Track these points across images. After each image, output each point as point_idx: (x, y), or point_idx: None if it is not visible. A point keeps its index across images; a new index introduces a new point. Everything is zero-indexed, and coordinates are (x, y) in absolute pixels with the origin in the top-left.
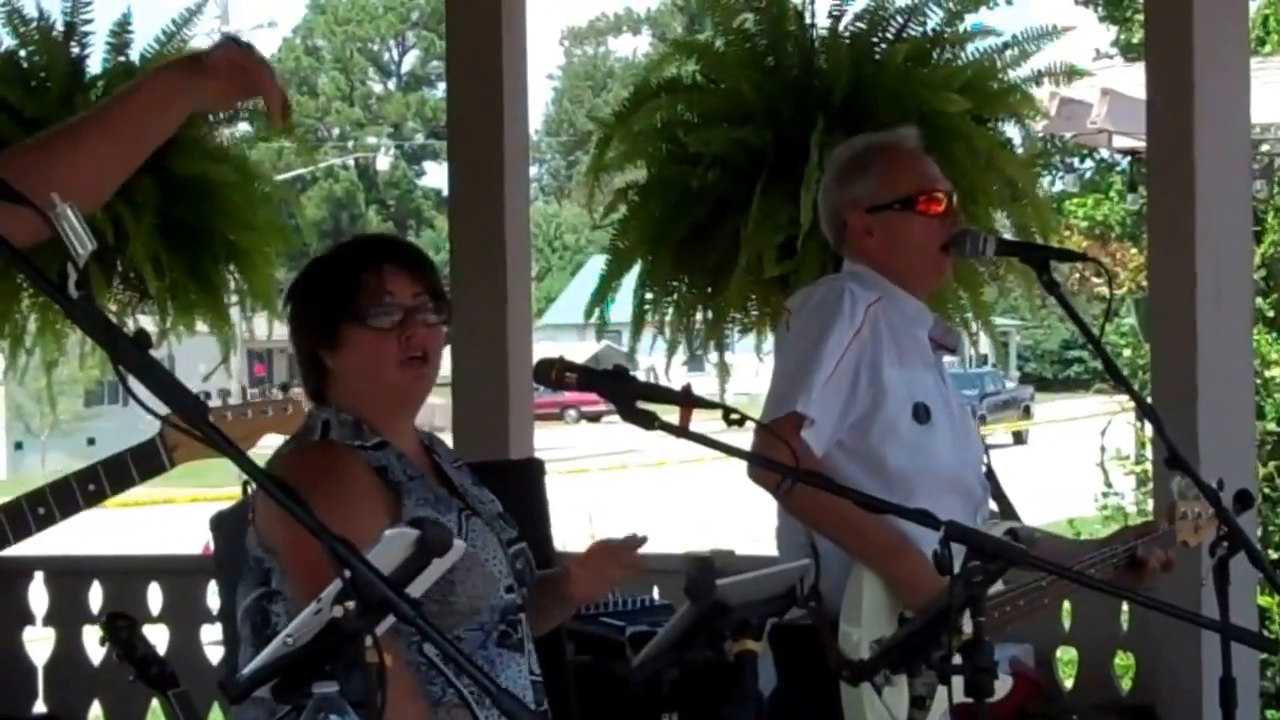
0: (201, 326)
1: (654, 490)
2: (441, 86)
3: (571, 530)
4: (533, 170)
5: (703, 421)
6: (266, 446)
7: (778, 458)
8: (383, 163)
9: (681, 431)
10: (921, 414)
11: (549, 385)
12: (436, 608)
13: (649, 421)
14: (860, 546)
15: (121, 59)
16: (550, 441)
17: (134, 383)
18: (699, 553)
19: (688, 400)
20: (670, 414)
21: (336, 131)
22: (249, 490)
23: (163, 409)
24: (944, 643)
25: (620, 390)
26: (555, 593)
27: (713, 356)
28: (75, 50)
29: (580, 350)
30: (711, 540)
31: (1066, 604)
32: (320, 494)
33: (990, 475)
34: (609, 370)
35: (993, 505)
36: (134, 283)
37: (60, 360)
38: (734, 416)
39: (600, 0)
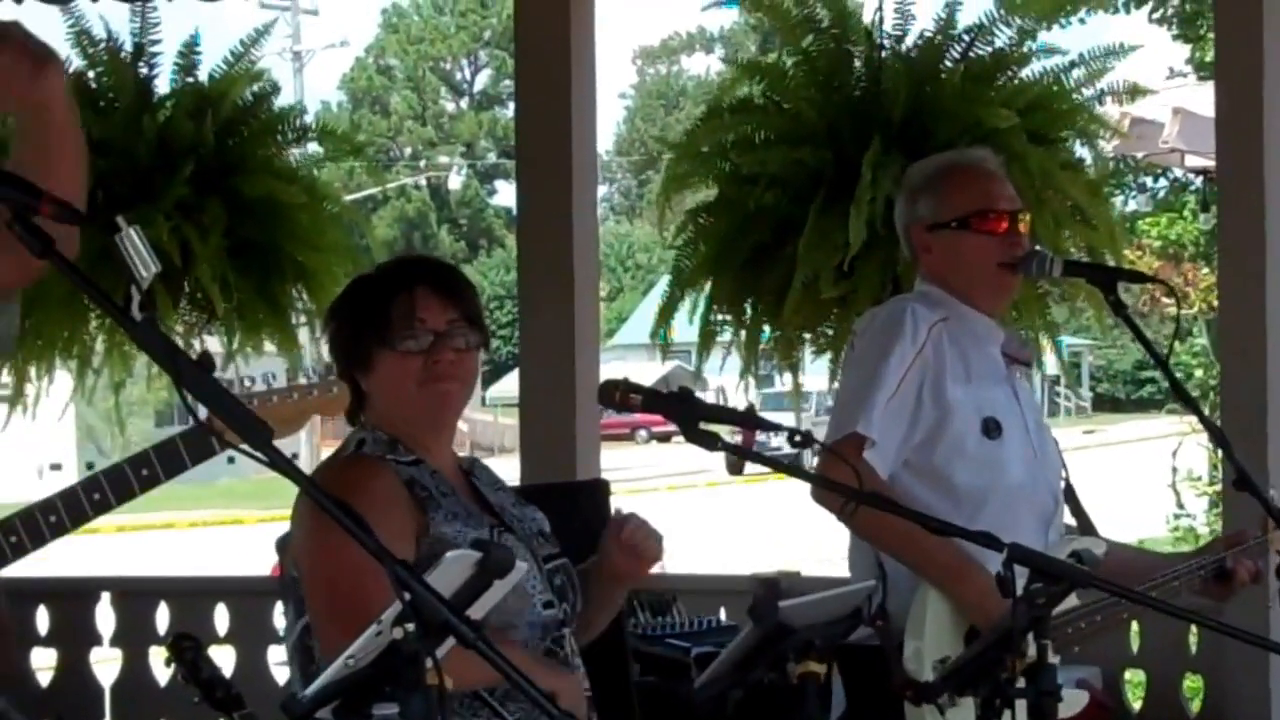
0: (269, 347)
1: (724, 510)
2: (514, 105)
3: None
4: (604, 189)
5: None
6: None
7: (841, 479)
8: (455, 182)
9: (744, 452)
10: (991, 429)
11: (613, 407)
12: None
13: (712, 443)
14: (926, 566)
15: (190, 80)
16: (621, 461)
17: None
18: (765, 574)
19: (751, 422)
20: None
21: (409, 151)
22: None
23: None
24: (1007, 665)
25: (684, 412)
26: (599, 578)
27: (786, 378)
28: (144, 71)
29: (651, 370)
30: (781, 561)
31: (1135, 625)
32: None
33: (1069, 491)
34: (672, 392)
35: (1070, 521)
36: (201, 303)
37: (127, 381)
38: (798, 438)
39: (673, 19)
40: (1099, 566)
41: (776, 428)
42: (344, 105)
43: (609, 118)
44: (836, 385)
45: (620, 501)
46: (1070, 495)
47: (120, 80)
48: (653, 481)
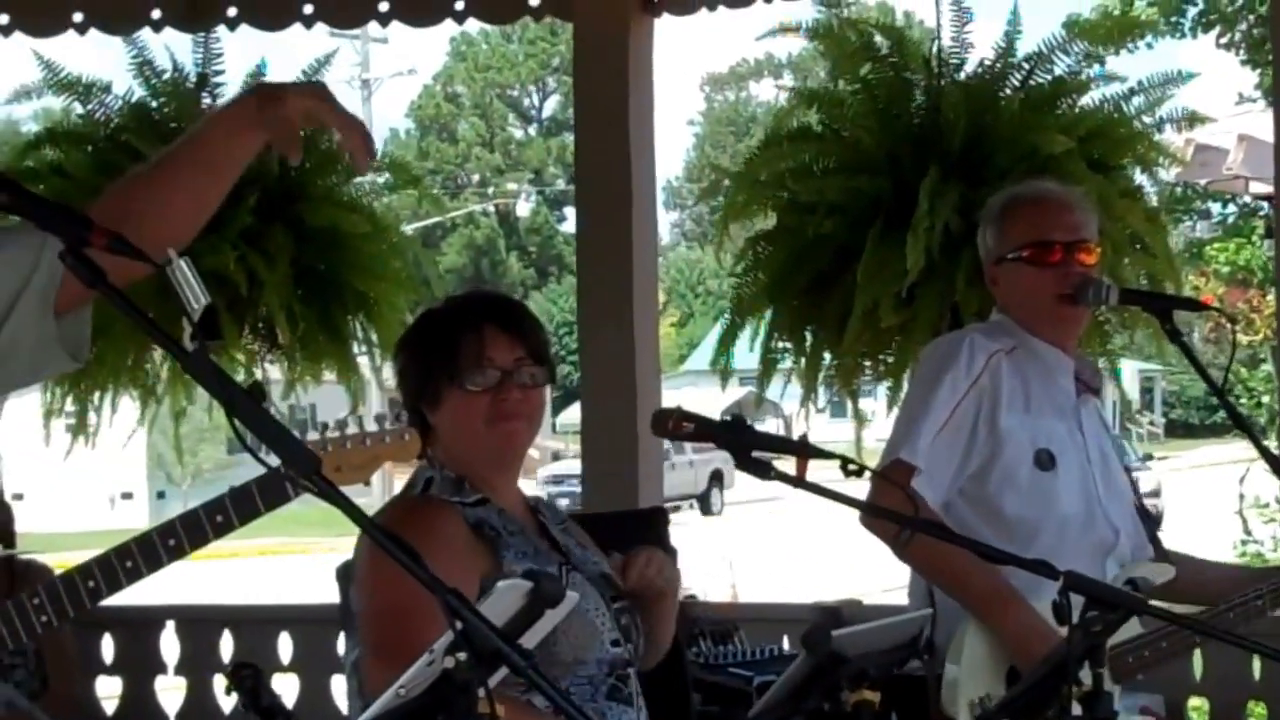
0: (328, 375)
1: (797, 537)
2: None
3: (713, 577)
4: (674, 216)
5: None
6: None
7: (892, 505)
8: (523, 209)
9: (797, 481)
10: (1044, 460)
11: (666, 435)
12: (541, 658)
13: (765, 471)
14: (964, 595)
15: None
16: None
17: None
18: (827, 603)
19: (804, 450)
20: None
21: (477, 178)
22: None
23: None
24: (1063, 694)
25: (736, 440)
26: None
27: (848, 405)
28: (207, 101)
29: (722, 397)
30: (845, 589)
31: (1197, 652)
32: (416, 549)
33: (1144, 516)
34: (725, 420)
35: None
36: (262, 332)
37: (188, 409)
38: (851, 467)
39: (741, 46)
40: (1154, 593)
41: (829, 456)
42: (412, 132)
43: (679, 144)
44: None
45: (691, 527)
46: (1146, 520)
47: (183, 110)
48: (729, 508)
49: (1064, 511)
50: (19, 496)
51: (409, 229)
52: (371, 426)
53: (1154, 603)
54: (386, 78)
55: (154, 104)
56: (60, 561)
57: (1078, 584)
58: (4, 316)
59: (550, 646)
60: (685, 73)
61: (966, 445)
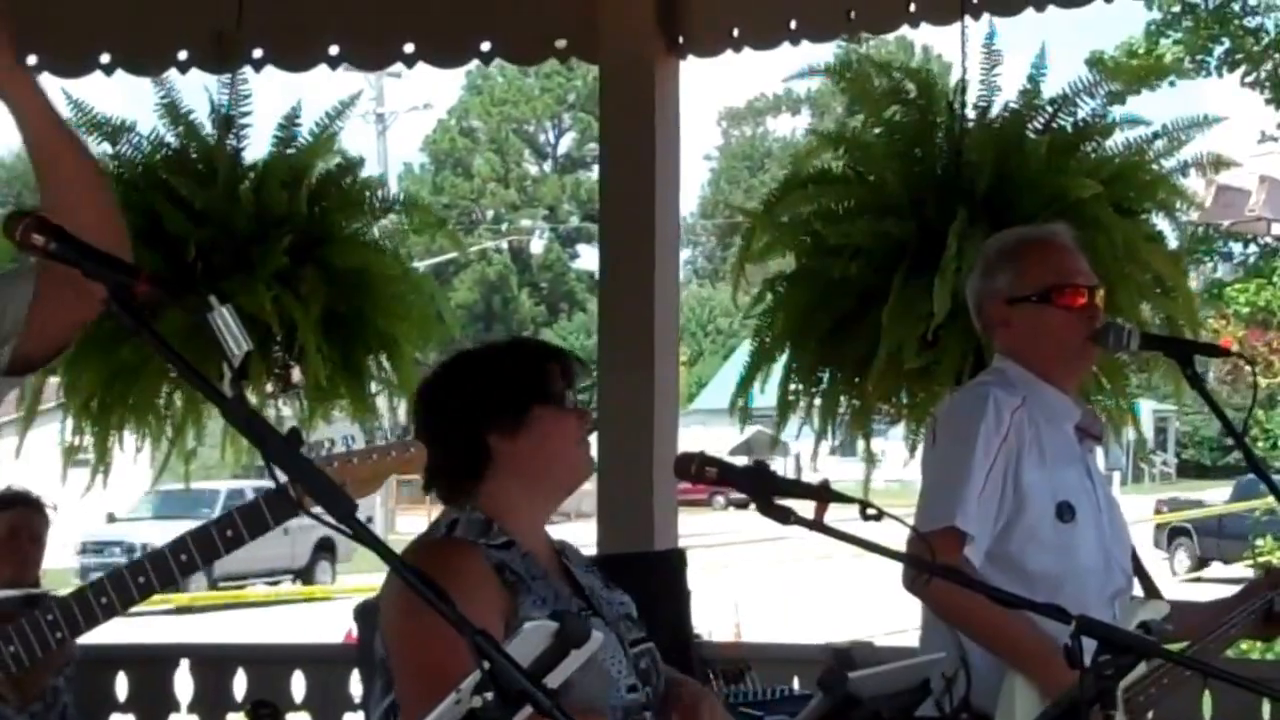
0: (337, 414)
1: (802, 578)
2: (597, 169)
3: (718, 618)
4: (687, 253)
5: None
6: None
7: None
8: (536, 245)
9: (818, 526)
10: (1065, 513)
11: (689, 479)
12: None
13: (786, 516)
14: (1014, 654)
15: (290, 150)
16: (697, 528)
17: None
18: (839, 644)
19: (825, 495)
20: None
21: (491, 214)
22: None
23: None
24: None
25: (758, 485)
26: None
27: (860, 445)
28: (232, 142)
29: (732, 436)
30: (855, 631)
31: (1207, 693)
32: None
33: (1134, 557)
34: (748, 466)
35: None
36: (277, 373)
37: (200, 449)
38: (870, 512)
39: (758, 81)
40: (1173, 621)
41: (850, 501)
42: (426, 167)
43: (693, 180)
44: (920, 470)
45: (697, 569)
46: (1135, 562)
47: (212, 151)
48: (734, 550)
49: (1084, 563)
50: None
51: (421, 265)
52: (376, 442)
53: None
54: (402, 112)
55: (175, 142)
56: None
57: (1090, 628)
58: None
59: (564, 694)
60: (702, 107)
61: (998, 505)
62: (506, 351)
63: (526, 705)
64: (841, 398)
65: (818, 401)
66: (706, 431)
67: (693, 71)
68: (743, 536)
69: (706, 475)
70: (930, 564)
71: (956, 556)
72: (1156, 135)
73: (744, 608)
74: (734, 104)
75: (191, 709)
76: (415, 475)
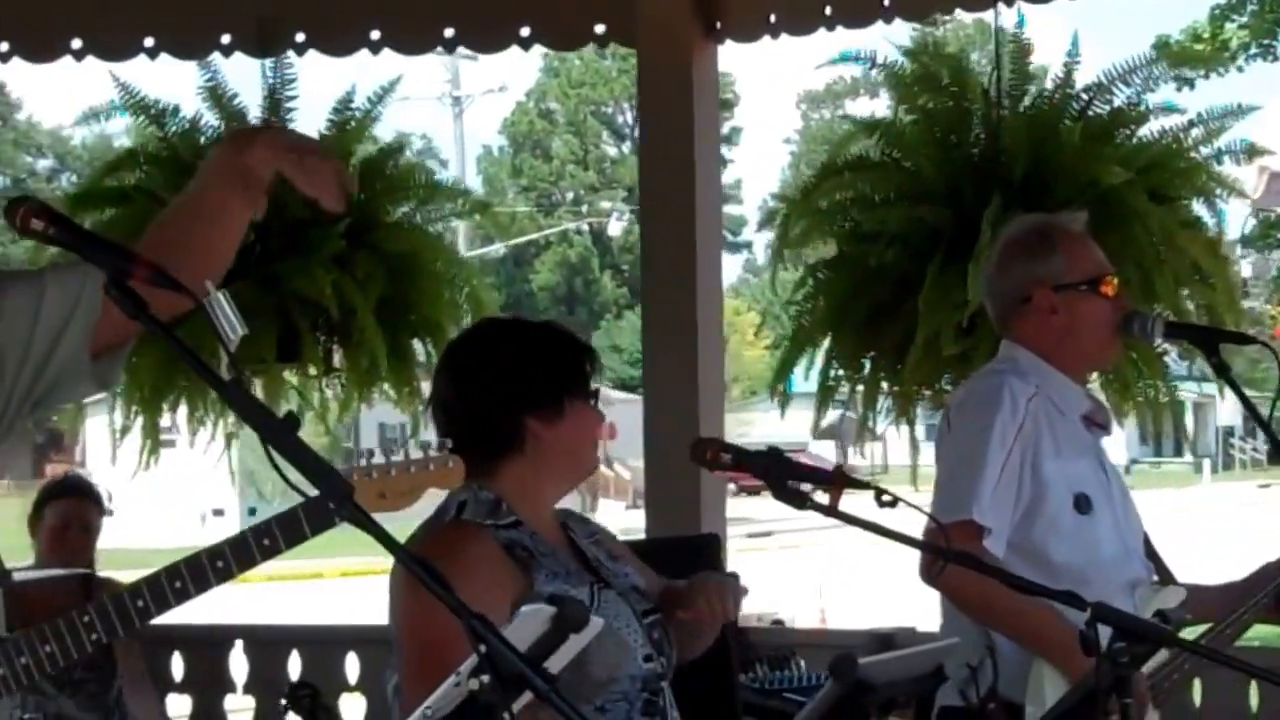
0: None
1: (891, 562)
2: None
3: (801, 602)
4: (768, 235)
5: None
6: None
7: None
8: (615, 227)
9: (832, 511)
10: (1083, 505)
11: (704, 465)
12: (574, 678)
13: (800, 501)
14: (1036, 643)
15: (342, 134)
16: (784, 511)
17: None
18: (882, 629)
19: (839, 481)
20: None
21: (570, 195)
22: None
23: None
24: None
25: (772, 470)
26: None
27: (903, 431)
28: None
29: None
30: (901, 617)
31: (1196, 681)
32: (447, 574)
33: (1147, 544)
34: (762, 451)
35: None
36: (322, 357)
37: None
38: (885, 498)
39: (838, 65)
40: (1189, 608)
41: (865, 486)
42: (505, 149)
43: (775, 163)
44: (935, 459)
45: (779, 552)
46: (1148, 549)
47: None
48: (821, 533)
49: (1105, 555)
50: (110, 513)
51: (502, 247)
52: (416, 454)
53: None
54: (478, 95)
55: (228, 127)
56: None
57: (1106, 616)
58: (51, 351)
59: (583, 666)
60: (781, 90)
61: (1016, 494)
62: (546, 335)
63: (525, 690)
64: (883, 383)
65: (859, 388)
66: (795, 415)
67: (771, 54)
68: (831, 520)
69: (721, 461)
70: (945, 550)
71: (974, 548)
72: (1192, 124)
73: (830, 591)
74: (813, 87)
75: (247, 690)
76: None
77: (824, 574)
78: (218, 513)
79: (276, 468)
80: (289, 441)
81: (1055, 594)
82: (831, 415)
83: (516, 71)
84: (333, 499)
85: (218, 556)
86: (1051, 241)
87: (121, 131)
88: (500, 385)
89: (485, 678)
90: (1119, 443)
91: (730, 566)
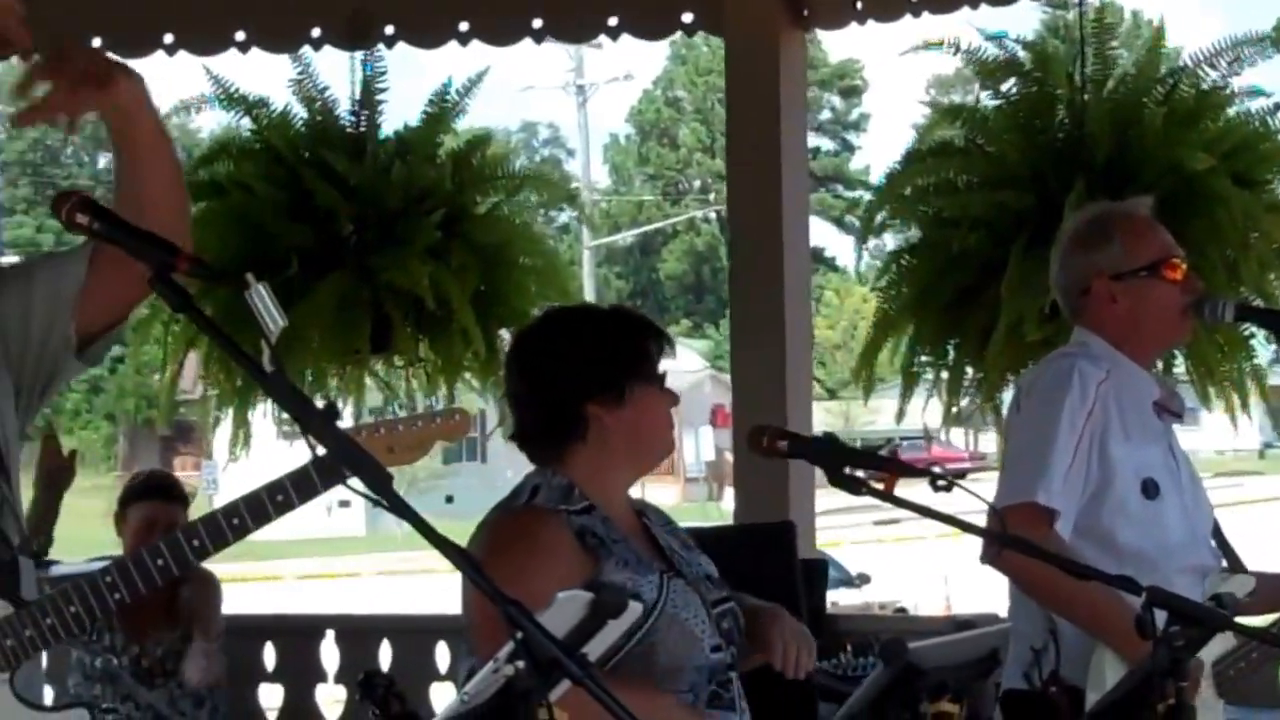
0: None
1: (942, 551)
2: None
3: (927, 591)
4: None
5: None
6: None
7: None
8: None
9: (887, 497)
10: (1150, 489)
11: (761, 453)
12: (641, 667)
13: (856, 487)
14: (1098, 627)
15: (435, 126)
16: (841, 501)
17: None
18: (962, 615)
19: (894, 467)
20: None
21: (698, 183)
22: None
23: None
24: (1150, 708)
25: (828, 456)
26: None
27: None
28: (365, 116)
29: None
30: (983, 604)
31: None
32: (515, 557)
33: (1217, 532)
34: (817, 437)
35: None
36: (405, 348)
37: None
38: (940, 483)
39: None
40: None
41: (919, 473)
42: (632, 138)
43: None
44: (1004, 440)
45: (865, 541)
46: (1218, 536)
47: (356, 127)
48: (909, 525)
49: (1172, 540)
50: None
51: (629, 235)
52: (421, 410)
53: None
54: (602, 83)
55: (322, 120)
56: (272, 573)
57: (1161, 599)
58: (45, 340)
59: (649, 655)
60: (911, 76)
61: (1084, 478)
62: (610, 320)
63: (563, 676)
64: (967, 369)
65: (943, 374)
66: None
67: (898, 40)
68: (960, 508)
69: (777, 448)
70: (999, 534)
71: (1039, 531)
72: (1278, 106)
73: (956, 580)
74: (943, 72)
75: (339, 679)
76: (461, 439)
77: (950, 562)
78: (343, 504)
79: (317, 458)
80: (331, 432)
81: (1109, 578)
82: (916, 402)
83: (642, 59)
84: (374, 487)
85: (233, 514)
86: (1108, 231)
87: (210, 125)
88: (561, 373)
89: (522, 663)
90: (1254, 427)
91: (856, 554)
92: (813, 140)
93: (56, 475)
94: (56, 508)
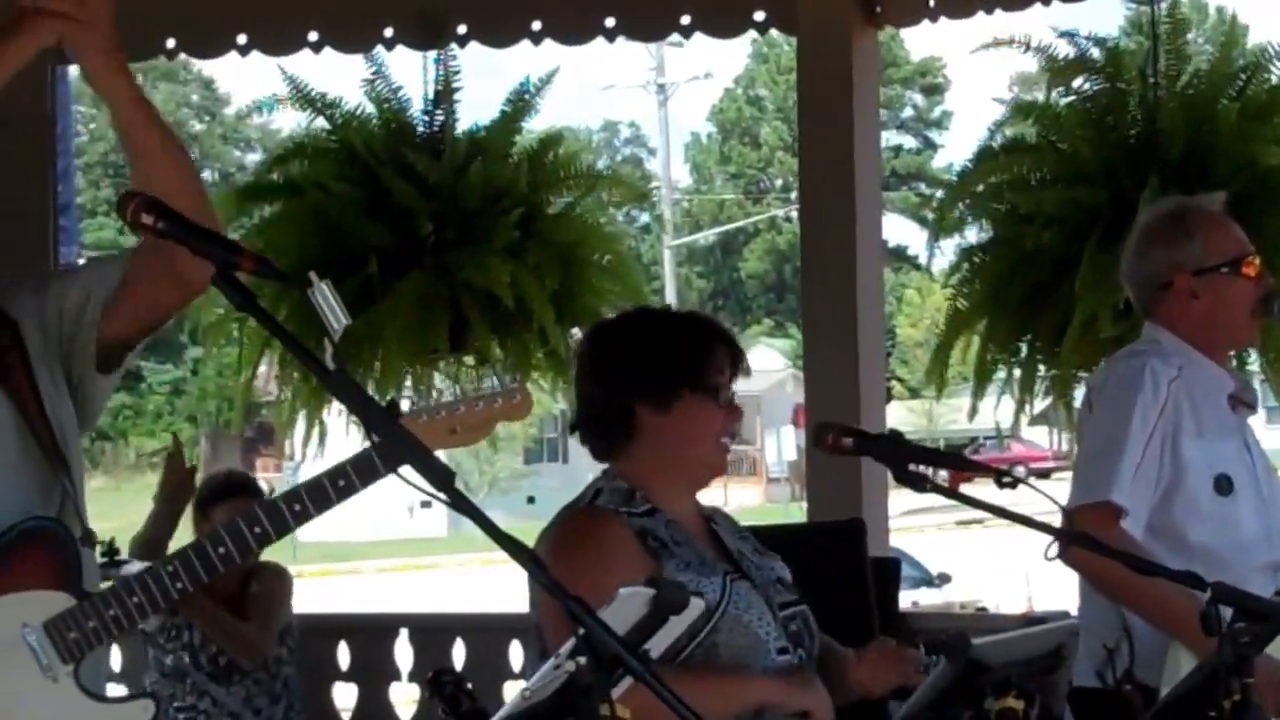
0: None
1: (1015, 547)
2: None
3: (1008, 590)
4: None
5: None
6: None
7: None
8: None
9: (953, 494)
10: (1224, 485)
11: (826, 450)
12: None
13: (921, 484)
14: (1173, 624)
15: (510, 126)
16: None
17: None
18: (1038, 613)
19: (961, 465)
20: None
21: (779, 182)
22: None
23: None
24: (1217, 703)
25: (892, 453)
26: (839, 674)
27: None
28: (441, 117)
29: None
30: (1060, 600)
31: None
32: (576, 557)
33: None
34: (883, 434)
35: None
36: (483, 348)
37: None
38: (1006, 480)
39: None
40: None
41: (984, 470)
42: (714, 136)
43: None
44: (1077, 439)
45: (947, 539)
46: None
47: (432, 126)
48: (991, 523)
49: (1245, 536)
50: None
51: (711, 234)
52: (483, 391)
53: None
54: (682, 82)
55: (397, 120)
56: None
57: (1226, 595)
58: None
59: (711, 656)
60: (994, 72)
61: (1156, 476)
62: (678, 327)
63: (622, 670)
64: (1040, 366)
65: (1016, 371)
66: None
67: (978, 34)
68: (1041, 508)
69: (842, 446)
70: (1065, 532)
71: (1113, 530)
72: None
73: (1037, 579)
74: (1026, 69)
75: (412, 678)
76: (524, 419)
77: (1032, 561)
78: (425, 505)
79: (375, 446)
80: (392, 430)
81: (1172, 573)
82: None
83: (723, 58)
84: (437, 485)
85: (295, 500)
86: (1188, 226)
87: (289, 125)
88: (614, 370)
89: (584, 659)
90: None
91: (938, 553)
92: (895, 138)
93: (179, 493)
94: (175, 523)
